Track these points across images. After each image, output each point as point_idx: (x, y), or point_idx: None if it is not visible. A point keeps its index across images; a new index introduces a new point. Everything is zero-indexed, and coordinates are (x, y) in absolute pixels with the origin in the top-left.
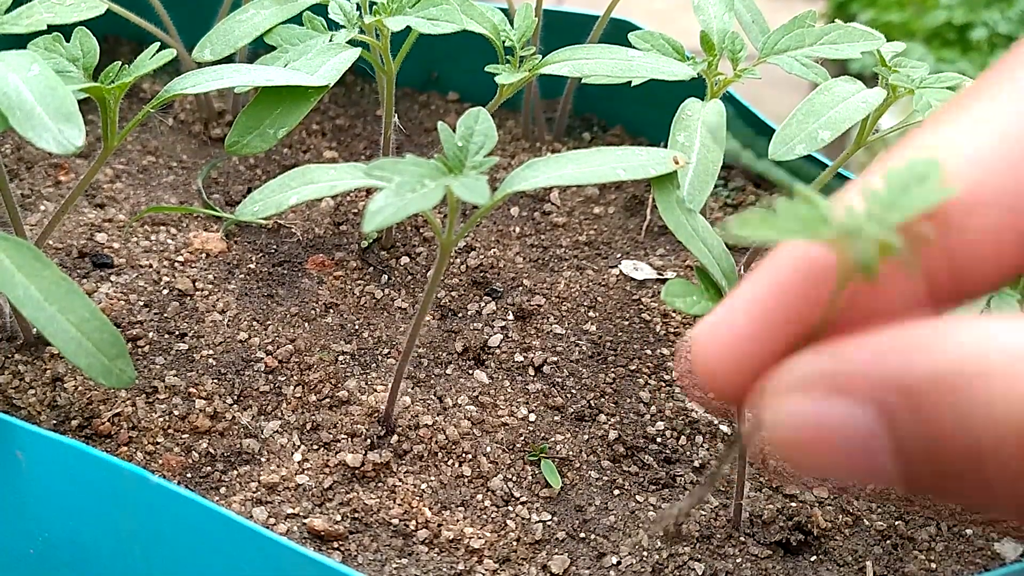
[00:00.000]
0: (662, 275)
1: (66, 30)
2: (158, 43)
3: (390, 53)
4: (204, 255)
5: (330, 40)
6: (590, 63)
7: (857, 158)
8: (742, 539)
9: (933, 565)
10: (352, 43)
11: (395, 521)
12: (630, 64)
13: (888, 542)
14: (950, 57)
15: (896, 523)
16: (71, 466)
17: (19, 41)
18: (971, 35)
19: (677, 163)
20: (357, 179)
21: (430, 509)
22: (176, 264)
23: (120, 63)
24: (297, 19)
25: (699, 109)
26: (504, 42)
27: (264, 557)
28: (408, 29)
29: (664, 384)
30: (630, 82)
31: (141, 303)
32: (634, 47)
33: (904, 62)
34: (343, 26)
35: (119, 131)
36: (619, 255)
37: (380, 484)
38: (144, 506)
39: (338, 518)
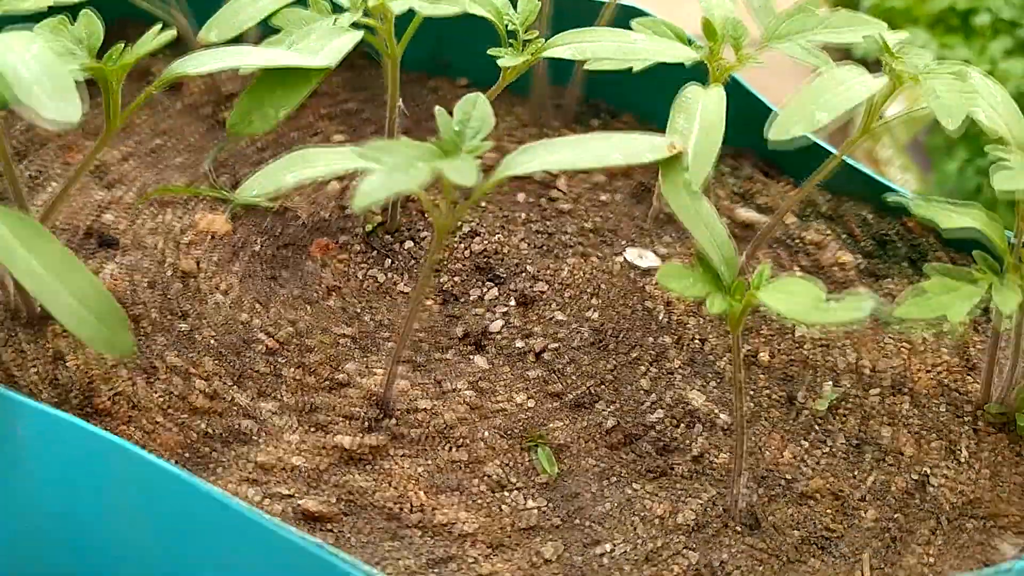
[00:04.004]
0: (667, 263)
1: (74, 11)
2: (160, 24)
3: (395, 36)
4: (209, 236)
5: (334, 23)
6: (593, 46)
7: (863, 146)
8: (737, 529)
9: (932, 560)
10: (356, 26)
11: (388, 504)
12: (633, 47)
13: (887, 535)
14: (953, 43)
15: (895, 516)
16: (66, 440)
17: (27, 21)
18: (974, 21)
19: (674, 148)
20: (353, 161)
21: (424, 493)
22: (181, 245)
23: (125, 44)
24: (304, 1)
25: (700, 94)
26: (507, 25)
27: (250, 535)
28: (413, 12)
29: (664, 373)
30: (631, 69)
31: (144, 283)
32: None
33: (908, 49)
34: (348, 8)
35: (128, 112)
36: (624, 242)
37: (375, 467)
38: (137, 482)
39: (332, 500)
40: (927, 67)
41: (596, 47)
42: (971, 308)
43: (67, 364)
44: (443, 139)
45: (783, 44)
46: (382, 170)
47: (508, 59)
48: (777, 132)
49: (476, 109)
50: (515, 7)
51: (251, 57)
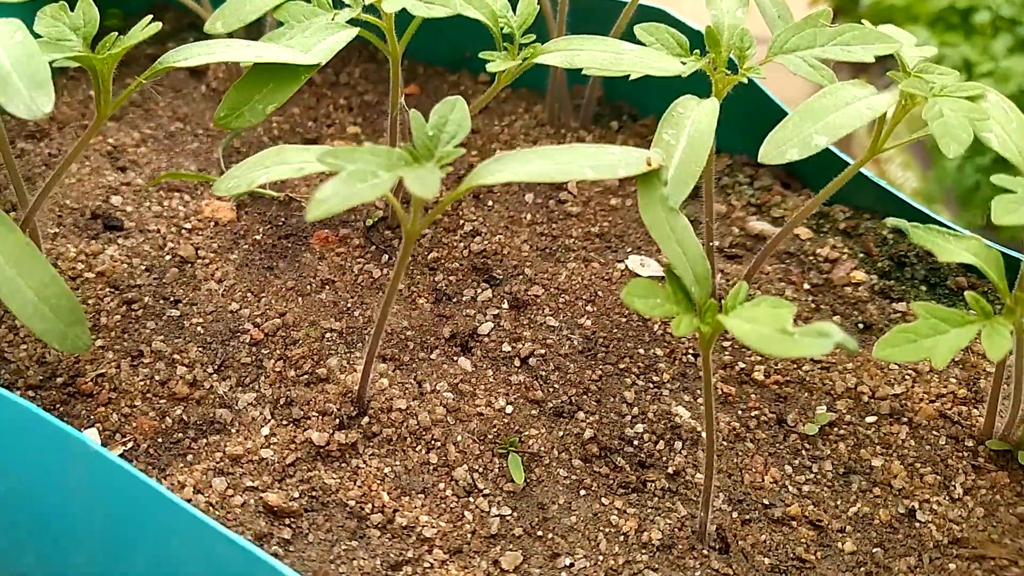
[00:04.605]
0: None
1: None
2: (150, 16)
3: (395, 33)
4: (212, 223)
5: (332, 19)
6: (581, 54)
7: (863, 143)
8: (705, 552)
9: None
10: (356, 23)
11: (352, 503)
12: (620, 58)
13: (862, 569)
14: (953, 41)
15: (874, 550)
16: (24, 425)
17: (31, 7)
18: (974, 19)
19: (649, 164)
20: (317, 165)
21: (389, 494)
22: (183, 231)
23: (116, 34)
24: None
25: (692, 108)
26: (503, 29)
27: (189, 529)
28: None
29: (651, 385)
30: (628, 75)
31: (143, 267)
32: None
33: (932, 67)
34: (348, 5)
35: (119, 101)
36: (629, 249)
37: (343, 464)
38: (86, 471)
39: (295, 495)
40: (943, 88)
41: (584, 56)
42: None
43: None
44: (415, 143)
45: (789, 58)
46: (341, 178)
47: (498, 63)
48: (769, 153)
49: (454, 113)
50: (514, 10)
51: (240, 52)
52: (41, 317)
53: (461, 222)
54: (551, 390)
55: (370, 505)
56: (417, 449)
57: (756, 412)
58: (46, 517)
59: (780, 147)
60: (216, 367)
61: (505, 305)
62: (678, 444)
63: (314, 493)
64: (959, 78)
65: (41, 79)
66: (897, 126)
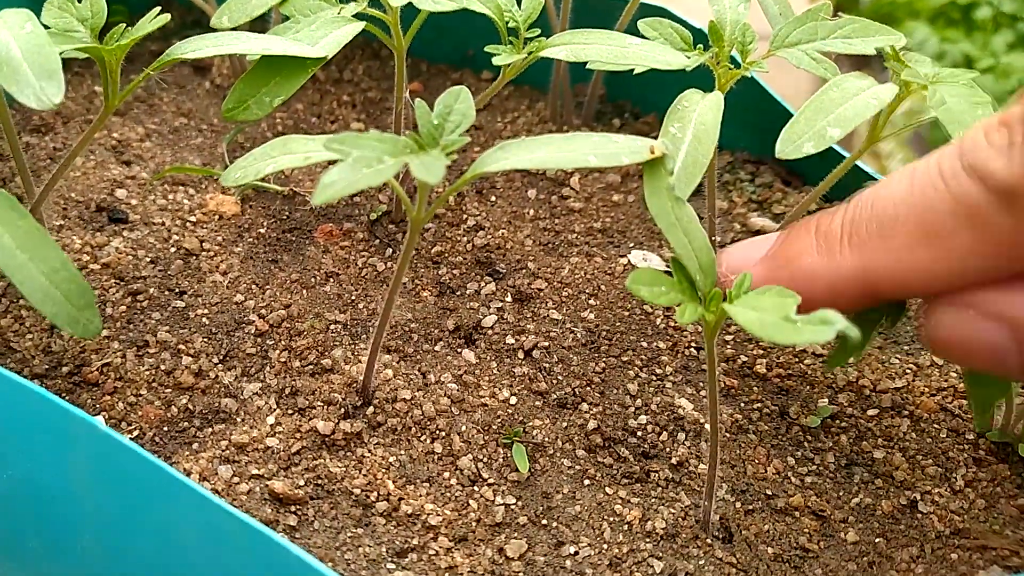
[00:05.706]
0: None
1: None
2: (158, 7)
3: (400, 27)
4: (217, 217)
5: (339, 12)
6: (587, 48)
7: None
8: (708, 541)
9: None
10: (362, 17)
11: (357, 491)
12: (625, 51)
13: (864, 559)
14: (954, 37)
15: (876, 540)
16: (30, 407)
17: None
18: (975, 15)
19: (652, 153)
20: (323, 152)
21: (394, 482)
22: (188, 224)
23: (124, 25)
24: None
25: (696, 100)
26: (508, 23)
27: (198, 511)
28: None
29: (655, 378)
30: (632, 70)
31: (148, 259)
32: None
33: (910, 56)
34: None
35: (126, 93)
36: (631, 244)
37: (349, 453)
38: (93, 453)
39: (301, 483)
40: (937, 75)
41: (590, 50)
42: None
43: (62, 334)
44: (421, 132)
45: (791, 52)
46: (347, 163)
47: (504, 57)
48: (787, 148)
49: (459, 102)
50: (520, 4)
51: (248, 44)
52: (52, 301)
53: (464, 217)
54: (555, 382)
55: (375, 493)
56: (422, 439)
57: (758, 404)
58: (49, 501)
59: (796, 141)
60: (221, 357)
61: (508, 298)
62: (681, 435)
63: (319, 481)
64: (931, 62)
65: (51, 69)
66: (897, 121)
